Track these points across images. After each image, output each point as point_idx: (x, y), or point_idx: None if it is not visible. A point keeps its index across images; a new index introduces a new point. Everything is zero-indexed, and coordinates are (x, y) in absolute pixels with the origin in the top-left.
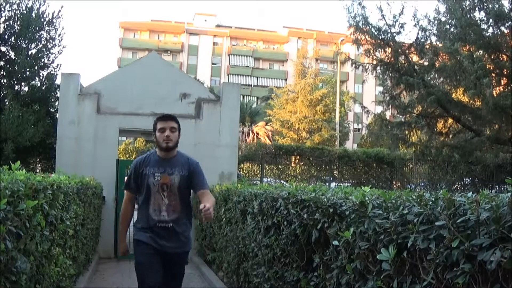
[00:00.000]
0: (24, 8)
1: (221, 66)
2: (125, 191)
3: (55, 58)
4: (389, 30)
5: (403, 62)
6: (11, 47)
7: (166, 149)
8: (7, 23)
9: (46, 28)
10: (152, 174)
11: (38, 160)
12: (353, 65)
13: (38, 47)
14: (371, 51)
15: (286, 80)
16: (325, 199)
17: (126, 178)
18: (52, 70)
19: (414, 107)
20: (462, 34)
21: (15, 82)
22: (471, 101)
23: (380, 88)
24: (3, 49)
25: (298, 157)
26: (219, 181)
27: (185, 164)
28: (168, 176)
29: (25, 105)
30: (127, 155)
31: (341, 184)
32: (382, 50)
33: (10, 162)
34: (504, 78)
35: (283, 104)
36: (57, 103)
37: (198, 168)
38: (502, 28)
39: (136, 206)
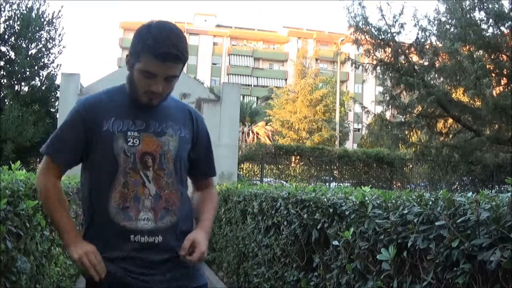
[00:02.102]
0: (24, 8)
1: (221, 66)
2: (45, 158)
3: (55, 58)
4: (389, 30)
5: (403, 62)
6: (11, 47)
7: (146, 106)
8: (7, 23)
9: (46, 28)
10: (122, 132)
11: (38, 160)
12: (353, 65)
13: (38, 47)
14: (371, 51)
15: (286, 80)
16: (325, 199)
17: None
18: (52, 70)
19: (414, 107)
20: (462, 34)
21: (15, 82)
22: (471, 101)
23: (380, 88)
24: (3, 49)
25: (298, 157)
26: (219, 181)
27: (184, 116)
28: (156, 138)
29: (25, 105)
30: None
31: (341, 184)
32: (382, 50)
33: (10, 162)
34: (504, 78)
35: (283, 104)
36: (57, 103)
37: (205, 128)
38: (502, 28)
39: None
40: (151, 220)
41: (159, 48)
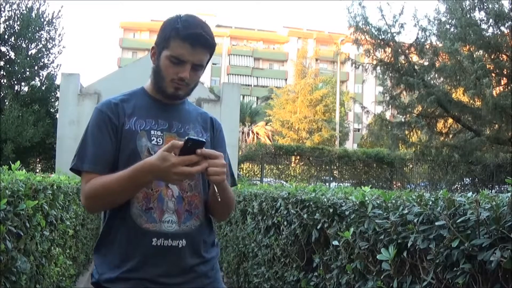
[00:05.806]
0: (24, 8)
1: (221, 66)
2: (84, 174)
3: (55, 58)
4: (389, 30)
5: (403, 62)
6: (11, 47)
7: (171, 97)
8: (7, 23)
9: (46, 28)
10: (146, 131)
11: (38, 160)
12: (353, 65)
13: (38, 47)
14: (371, 51)
15: (286, 80)
16: (325, 199)
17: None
18: (52, 70)
19: (414, 107)
20: (462, 34)
21: (15, 82)
22: (471, 101)
23: (380, 88)
24: (3, 49)
25: (298, 157)
26: None
27: (205, 121)
28: (179, 138)
29: (25, 105)
30: None
31: (341, 184)
32: (382, 50)
33: (10, 162)
34: (504, 78)
35: (283, 104)
36: (57, 103)
37: (224, 137)
38: (502, 28)
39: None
40: (175, 223)
41: (189, 29)
